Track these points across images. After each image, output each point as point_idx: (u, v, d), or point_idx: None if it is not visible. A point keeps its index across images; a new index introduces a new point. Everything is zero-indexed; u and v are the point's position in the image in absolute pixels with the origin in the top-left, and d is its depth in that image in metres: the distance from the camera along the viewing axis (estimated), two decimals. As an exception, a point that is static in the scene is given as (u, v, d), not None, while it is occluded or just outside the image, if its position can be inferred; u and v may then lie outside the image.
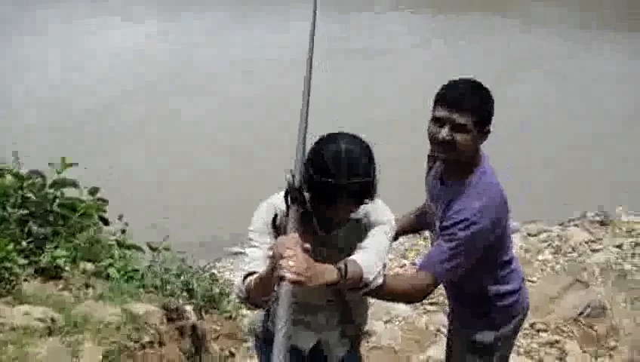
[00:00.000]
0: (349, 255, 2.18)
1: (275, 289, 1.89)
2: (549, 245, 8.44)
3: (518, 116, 12.87)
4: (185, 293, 4.54)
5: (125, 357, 3.23)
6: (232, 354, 4.43)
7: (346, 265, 2.07)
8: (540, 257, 8.05)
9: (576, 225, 9.32)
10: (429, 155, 2.73)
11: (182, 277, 4.53)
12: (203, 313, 4.61)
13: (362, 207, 2.23)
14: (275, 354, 1.41)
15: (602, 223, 9.13)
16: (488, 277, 2.66)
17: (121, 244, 4.48)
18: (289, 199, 2.10)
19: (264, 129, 11.96)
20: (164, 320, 3.74)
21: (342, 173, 2.06)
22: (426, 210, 2.81)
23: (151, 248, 4.41)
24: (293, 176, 2.11)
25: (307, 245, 1.89)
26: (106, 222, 4.58)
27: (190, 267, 4.75)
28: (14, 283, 3.41)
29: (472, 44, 17.42)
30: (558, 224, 9.50)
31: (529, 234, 9.05)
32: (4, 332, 2.95)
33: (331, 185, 2.06)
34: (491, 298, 2.69)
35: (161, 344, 3.58)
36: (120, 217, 4.67)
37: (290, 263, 1.79)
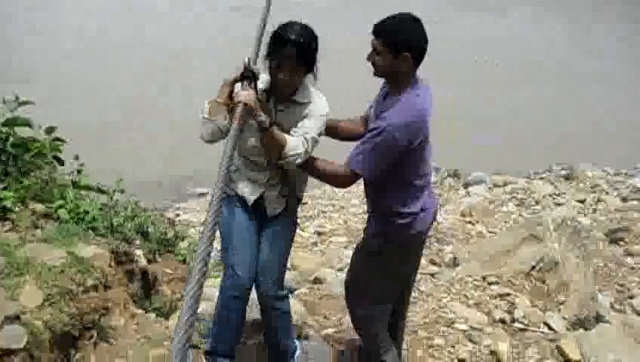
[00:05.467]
0: (288, 132, 2.95)
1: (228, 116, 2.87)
2: (513, 197, 8.52)
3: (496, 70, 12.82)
4: (139, 236, 4.51)
5: (67, 300, 3.21)
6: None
7: (276, 124, 2.92)
8: (504, 209, 8.13)
9: (541, 178, 9.40)
10: None
11: (136, 220, 4.48)
12: (157, 256, 4.59)
13: (307, 92, 3.03)
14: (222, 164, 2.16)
15: (567, 178, 9.23)
16: (393, 195, 3.08)
17: (76, 185, 4.39)
18: (244, 76, 2.83)
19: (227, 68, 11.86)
20: (112, 264, 3.72)
21: (290, 30, 2.84)
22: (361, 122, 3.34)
23: (101, 191, 4.31)
24: (249, 60, 2.82)
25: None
26: (61, 162, 4.49)
27: (145, 210, 4.71)
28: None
29: None
30: (524, 176, 9.59)
31: (495, 185, 9.11)
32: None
33: (281, 37, 2.83)
34: (389, 213, 3.12)
35: (106, 287, 3.55)
36: (76, 157, 4.55)
37: (245, 92, 2.76)
